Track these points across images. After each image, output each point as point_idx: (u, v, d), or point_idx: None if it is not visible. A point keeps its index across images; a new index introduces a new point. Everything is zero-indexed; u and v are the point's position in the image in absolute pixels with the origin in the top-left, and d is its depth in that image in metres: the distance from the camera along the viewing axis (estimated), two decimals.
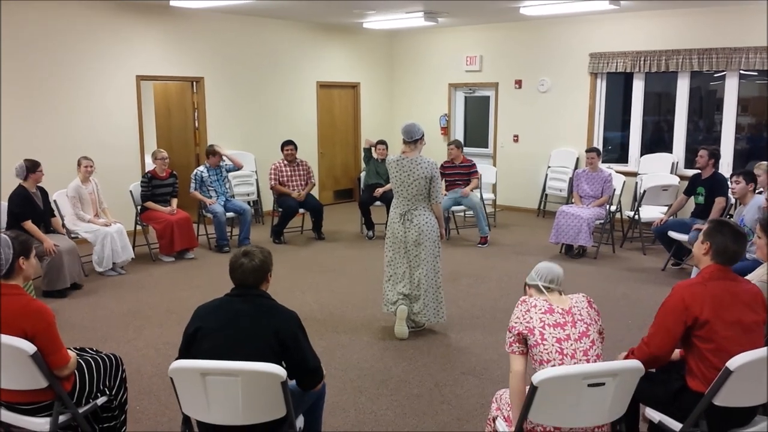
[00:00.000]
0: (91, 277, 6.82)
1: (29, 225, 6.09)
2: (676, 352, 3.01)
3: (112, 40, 8.46)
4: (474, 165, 8.75)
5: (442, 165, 8.80)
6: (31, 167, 6.24)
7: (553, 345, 2.71)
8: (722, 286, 2.85)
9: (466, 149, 11.10)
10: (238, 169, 8.59)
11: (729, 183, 6.36)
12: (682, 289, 2.85)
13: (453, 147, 8.71)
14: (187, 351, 2.79)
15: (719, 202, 6.76)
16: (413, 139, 5.01)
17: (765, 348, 2.75)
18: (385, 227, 5.35)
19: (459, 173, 8.64)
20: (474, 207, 8.41)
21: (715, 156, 7.01)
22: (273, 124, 10.30)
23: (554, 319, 2.76)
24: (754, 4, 8.12)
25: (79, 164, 6.93)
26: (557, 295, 2.89)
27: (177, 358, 2.80)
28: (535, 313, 2.78)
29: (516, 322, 2.80)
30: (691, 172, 8.94)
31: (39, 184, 6.39)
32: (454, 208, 8.66)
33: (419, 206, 5.05)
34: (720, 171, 7.19)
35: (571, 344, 2.72)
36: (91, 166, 6.97)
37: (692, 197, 7.18)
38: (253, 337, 2.70)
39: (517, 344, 2.80)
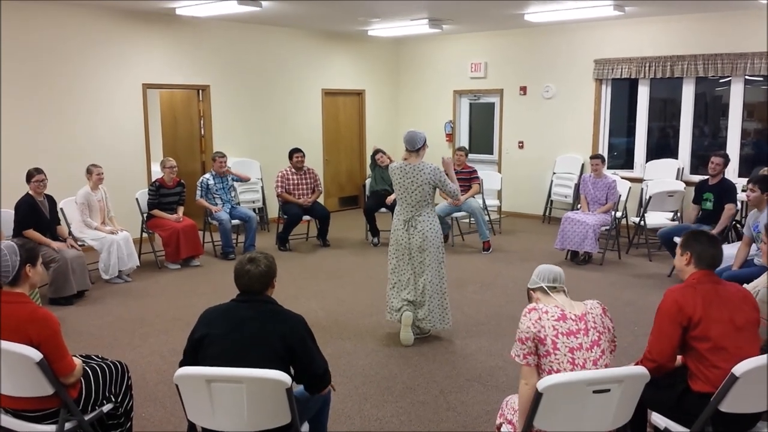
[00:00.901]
0: (97, 284, 6.84)
1: (31, 233, 6.13)
2: (678, 359, 3.02)
3: (119, 48, 8.51)
4: (475, 171, 8.76)
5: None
6: (29, 176, 6.28)
7: (565, 355, 2.65)
8: (711, 289, 2.94)
9: (471, 155, 11.14)
10: (245, 181, 8.65)
11: (742, 189, 6.28)
12: (674, 293, 2.94)
13: (462, 154, 8.72)
14: (193, 356, 2.79)
15: (729, 208, 6.73)
16: (416, 148, 5.04)
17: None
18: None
19: (460, 179, 8.64)
20: (473, 212, 8.40)
21: (728, 162, 7.00)
22: (278, 131, 10.33)
23: (567, 327, 2.67)
24: (758, 9, 8.11)
25: (90, 172, 6.96)
26: (564, 297, 2.84)
27: (181, 361, 2.81)
28: (548, 320, 2.68)
29: (528, 332, 2.68)
30: (696, 178, 8.92)
31: (47, 193, 6.43)
32: (457, 214, 8.66)
33: (423, 212, 5.05)
34: (726, 177, 7.16)
35: (583, 354, 2.65)
36: (102, 174, 7.02)
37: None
38: (260, 342, 2.70)
39: (532, 356, 2.68)
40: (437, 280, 5.14)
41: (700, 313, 2.85)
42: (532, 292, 2.96)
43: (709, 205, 6.96)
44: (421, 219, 5.05)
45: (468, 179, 8.66)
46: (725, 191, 6.85)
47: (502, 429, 2.93)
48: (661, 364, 2.87)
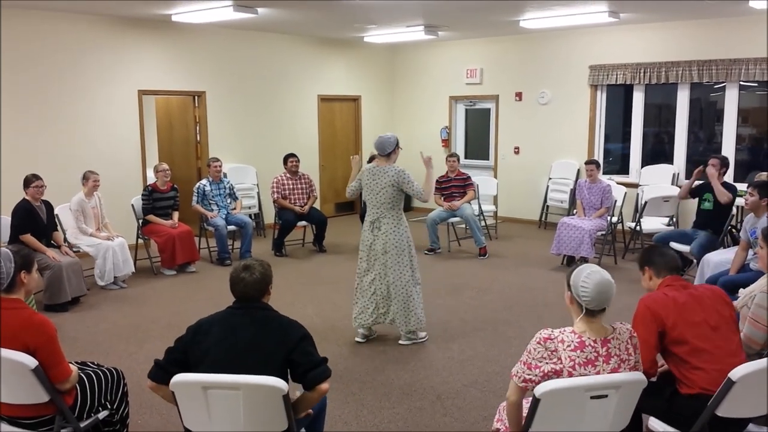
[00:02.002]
0: (92, 290, 6.81)
1: (28, 238, 6.11)
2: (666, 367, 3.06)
3: (115, 54, 8.51)
4: (469, 177, 8.77)
5: (437, 179, 8.82)
6: (27, 182, 6.27)
7: None
8: (683, 293, 3.00)
9: (467, 161, 11.20)
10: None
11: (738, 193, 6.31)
12: (645, 300, 3.00)
13: (454, 160, 8.73)
14: (181, 359, 2.77)
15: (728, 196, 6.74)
16: (386, 152, 5.14)
17: (766, 359, 2.76)
18: None
19: (454, 186, 8.65)
20: (467, 219, 8.41)
21: (726, 165, 7.02)
22: (274, 137, 10.33)
23: (585, 356, 2.55)
24: (753, 15, 8.16)
25: (87, 178, 6.94)
26: (599, 323, 2.63)
27: (163, 360, 2.79)
28: (564, 350, 2.55)
29: (541, 362, 2.55)
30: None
31: (44, 198, 6.41)
32: (452, 219, 8.66)
33: (387, 214, 5.13)
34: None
35: None
36: (98, 181, 7.00)
37: (697, 201, 7.13)
38: (256, 349, 2.69)
39: (533, 384, 2.55)
40: (401, 283, 5.17)
41: (674, 317, 2.90)
42: (570, 293, 2.69)
43: (708, 205, 6.97)
44: (385, 221, 5.13)
45: (462, 186, 8.66)
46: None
47: None
48: (644, 370, 2.83)
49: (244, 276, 2.81)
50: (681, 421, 2.91)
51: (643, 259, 3.21)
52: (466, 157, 11.34)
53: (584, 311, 2.62)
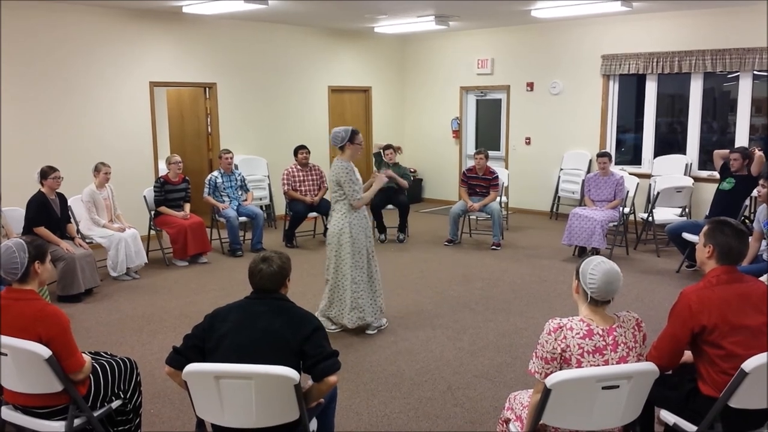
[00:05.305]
0: (105, 281, 6.86)
1: (41, 230, 6.15)
2: (690, 355, 2.98)
3: (126, 46, 8.54)
4: (496, 178, 8.57)
5: (464, 172, 8.79)
6: (44, 173, 6.31)
7: None
8: (730, 290, 2.80)
9: None
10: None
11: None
12: (689, 296, 2.80)
13: (482, 157, 8.48)
14: (196, 346, 2.78)
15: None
16: (338, 146, 5.24)
17: None
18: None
19: (481, 185, 8.57)
20: (493, 214, 8.37)
21: (749, 156, 6.99)
22: (285, 129, 10.34)
23: (593, 344, 2.57)
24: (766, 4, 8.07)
25: (98, 170, 6.98)
26: (603, 312, 2.68)
27: (181, 346, 2.80)
28: (572, 338, 2.57)
29: (554, 353, 2.58)
30: (704, 174, 8.90)
31: (58, 191, 6.46)
32: (478, 214, 8.58)
33: (335, 207, 5.25)
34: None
35: None
36: (109, 173, 7.04)
37: (718, 182, 7.17)
38: (272, 337, 2.71)
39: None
40: (335, 277, 5.23)
41: (715, 320, 2.73)
42: (577, 282, 2.73)
43: (727, 186, 6.96)
44: (334, 214, 5.24)
45: (487, 186, 8.55)
46: (750, 182, 6.86)
47: (510, 426, 2.92)
48: (665, 363, 2.81)
49: (262, 267, 2.83)
50: (697, 417, 2.83)
51: (715, 234, 2.87)
52: (476, 148, 11.29)
53: (589, 300, 2.66)
